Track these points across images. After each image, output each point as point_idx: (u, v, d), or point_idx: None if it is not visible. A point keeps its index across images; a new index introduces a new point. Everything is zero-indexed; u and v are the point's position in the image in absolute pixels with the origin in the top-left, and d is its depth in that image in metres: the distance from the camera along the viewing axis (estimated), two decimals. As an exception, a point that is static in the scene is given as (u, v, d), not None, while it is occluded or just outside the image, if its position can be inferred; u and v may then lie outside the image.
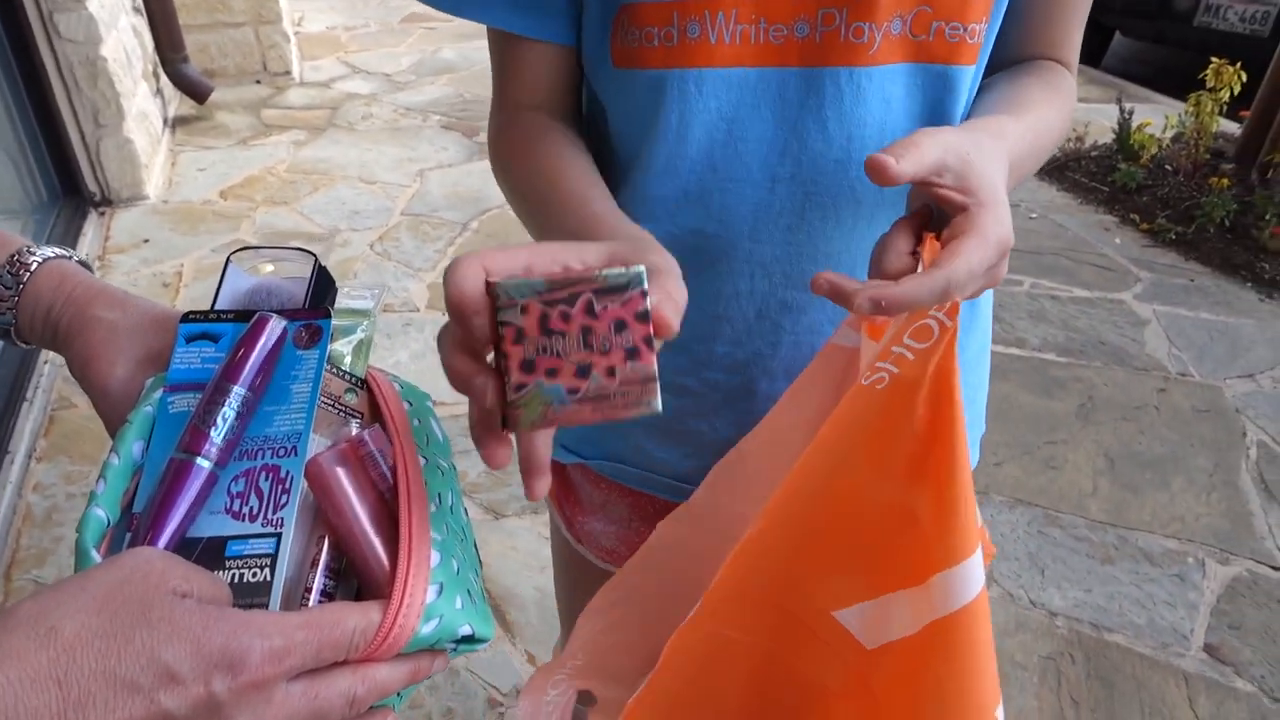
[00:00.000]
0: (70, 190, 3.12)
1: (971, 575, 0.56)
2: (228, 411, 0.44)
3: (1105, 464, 2.21)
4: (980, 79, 0.67)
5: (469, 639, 0.43)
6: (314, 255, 0.52)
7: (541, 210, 0.62)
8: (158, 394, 0.46)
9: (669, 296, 0.41)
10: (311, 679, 0.38)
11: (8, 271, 0.51)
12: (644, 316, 0.39)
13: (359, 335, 0.51)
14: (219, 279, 0.52)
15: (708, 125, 0.63)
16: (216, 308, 0.51)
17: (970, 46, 0.62)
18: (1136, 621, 1.80)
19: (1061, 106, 0.68)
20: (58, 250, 0.54)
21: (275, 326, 0.47)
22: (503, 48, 0.68)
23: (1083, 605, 1.84)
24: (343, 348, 0.50)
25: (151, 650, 0.33)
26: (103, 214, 3.15)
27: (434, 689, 1.63)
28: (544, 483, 0.42)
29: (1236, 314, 2.83)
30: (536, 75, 0.68)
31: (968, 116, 0.66)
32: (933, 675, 0.59)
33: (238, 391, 0.44)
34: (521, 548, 1.93)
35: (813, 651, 0.65)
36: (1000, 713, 0.59)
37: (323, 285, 0.52)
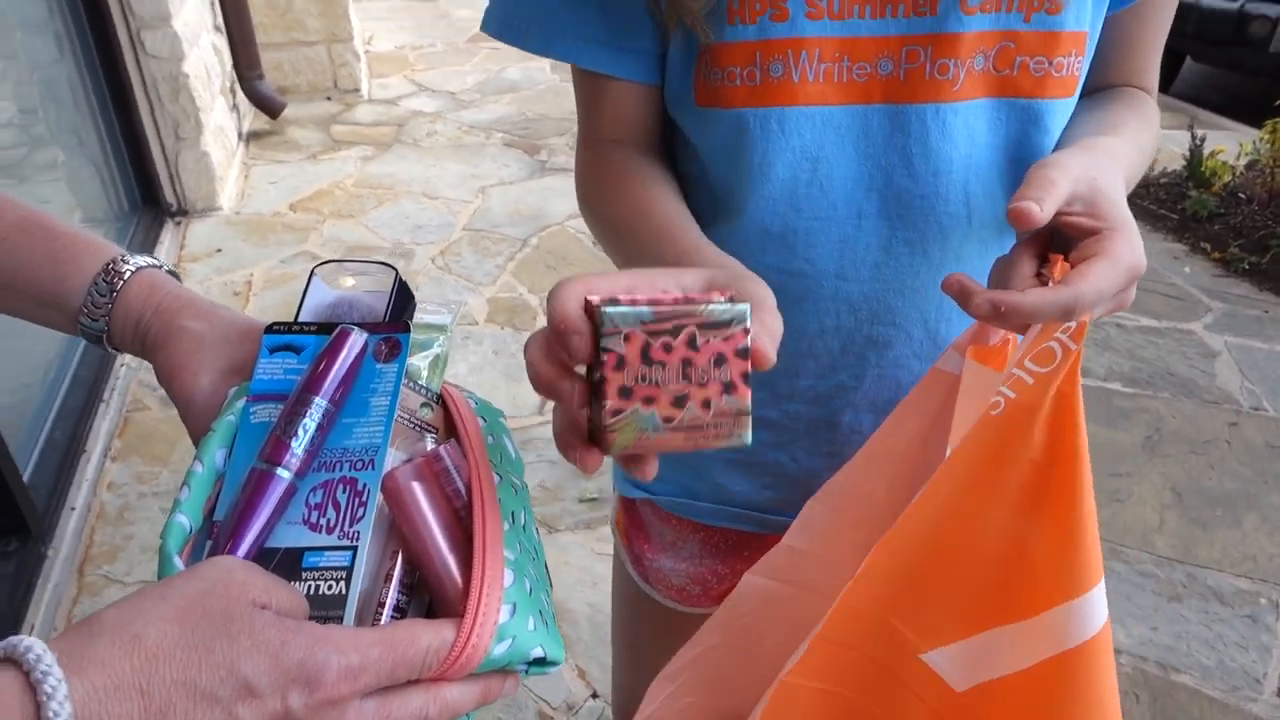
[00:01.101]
0: (150, 200, 3.24)
1: (1095, 607, 0.55)
2: (308, 423, 0.44)
3: (1173, 498, 2.15)
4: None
5: (540, 661, 0.43)
6: (395, 269, 0.53)
7: (633, 245, 0.62)
8: (240, 403, 0.47)
9: (766, 329, 0.42)
10: (385, 697, 0.38)
11: (103, 280, 0.53)
12: (744, 353, 0.40)
13: (435, 350, 0.52)
14: (303, 291, 0.53)
15: (792, 164, 0.63)
16: (300, 319, 0.51)
17: (1058, 80, 0.61)
18: (1205, 662, 1.74)
19: (1152, 132, 0.68)
20: (149, 260, 0.55)
21: (356, 340, 0.47)
22: (588, 86, 0.69)
23: (1149, 644, 1.78)
24: (419, 362, 0.51)
25: (231, 662, 0.34)
26: (179, 224, 3.26)
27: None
28: (651, 465, 0.43)
29: (1314, 348, 2.73)
30: (622, 112, 0.69)
31: (1060, 143, 0.66)
32: (1051, 713, 0.57)
33: (318, 403, 0.45)
34: (574, 562, 1.94)
35: (895, 700, 0.63)
36: None
37: (402, 299, 0.53)
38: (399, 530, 0.44)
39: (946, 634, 0.60)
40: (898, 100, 0.61)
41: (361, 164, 3.88)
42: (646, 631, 0.97)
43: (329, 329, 0.48)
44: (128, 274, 0.53)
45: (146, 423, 2.31)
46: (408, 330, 0.49)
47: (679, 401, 0.39)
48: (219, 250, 3.13)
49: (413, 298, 0.54)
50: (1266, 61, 4.43)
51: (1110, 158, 0.57)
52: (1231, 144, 3.62)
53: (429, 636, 0.39)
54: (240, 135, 3.91)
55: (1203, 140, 3.58)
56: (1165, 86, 5.02)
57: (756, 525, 0.80)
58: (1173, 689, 1.69)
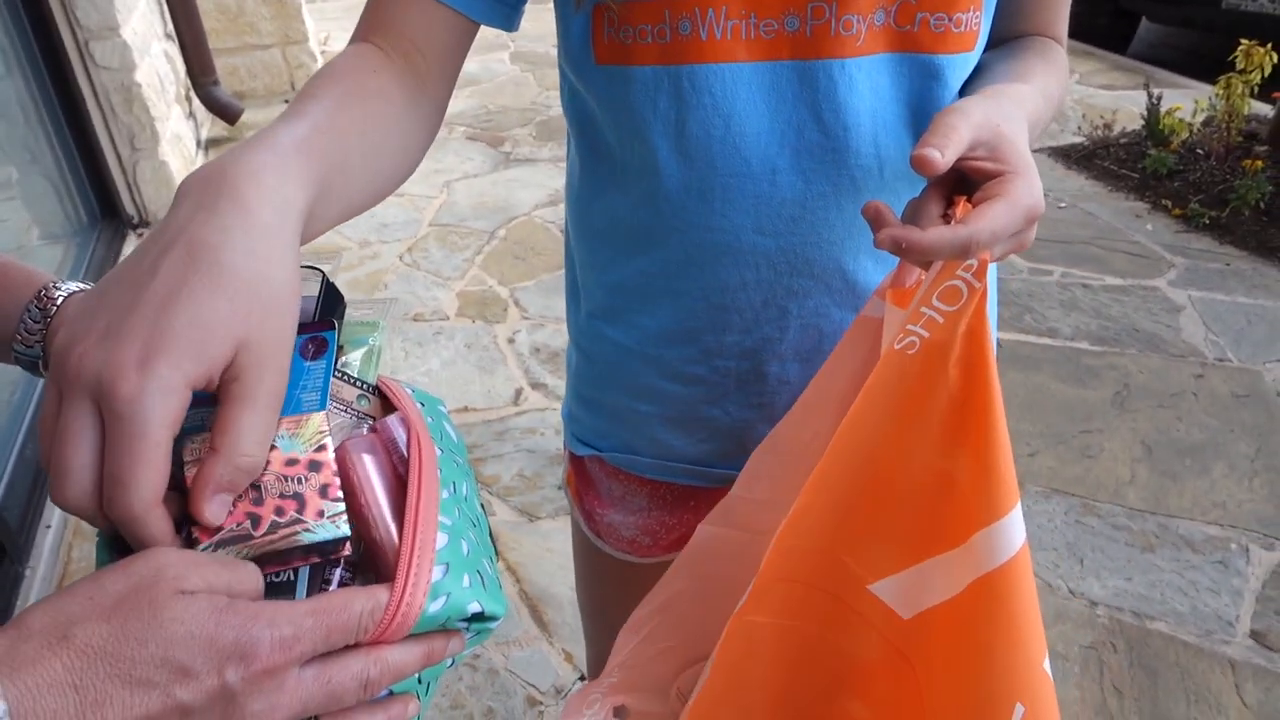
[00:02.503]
0: (109, 213, 3.20)
1: (1013, 530, 0.57)
2: None
3: (1143, 451, 2.18)
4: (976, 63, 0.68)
5: (480, 617, 0.44)
6: (321, 272, 0.53)
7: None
8: None
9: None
10: (324, 663, 0.39)
11: (35, 306, 0.53)
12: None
13: (369, 345, 0.52)
14: None
15: (704, 121, 0.63)
16: None
17: (958, 36, 0.62)
18: (1179, 609, 1.78)
19: (1060, 79, 0.70)
20: (82, 285, 0.55)
21: None
22: None
23: (1123, 594, 1.81)
24: (353, 358, 0.52)
25: (165, 652, 0.34)
26: (140, 235, 3.23)
27: (474, 690, 1.65)
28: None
29: (1274, 297, 2.77)
30: (413, 30, 0.62)
31: (970, 89, 0.67)
32: (977, 634, 0.59)
33: None
34: (556, 549, 1.95)
35: (850, 627, 0.66)
36: (1048, 665, 0.59)
37: (331, 300, 0.53)
38: (347, 502, 0.44)
39: (889, 565, 0.63)
40: (804, 56, 0.62)
41: (324, 165, 3.84)
42: (603, 585, 1.00)
43: None
44: (60, 299, 0.53)
45: (118, 436, 2.29)
46: (333, 327, 0.49)
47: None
48: (183, 260, 3.10)
49: (342, 298, 0.54)
50: (1219, 18, 4.47)
51: (1015, 104, 0.59)
52: (1188, 101, 3.66)
53: (362, 600, 0.39)
54: (199, 143, 3.87)
55: (1159, 99, 3.62)
56: (1122, 47, 5.07)
57: (699, 479, 0.82)
58: (1148, 637, 1.72)
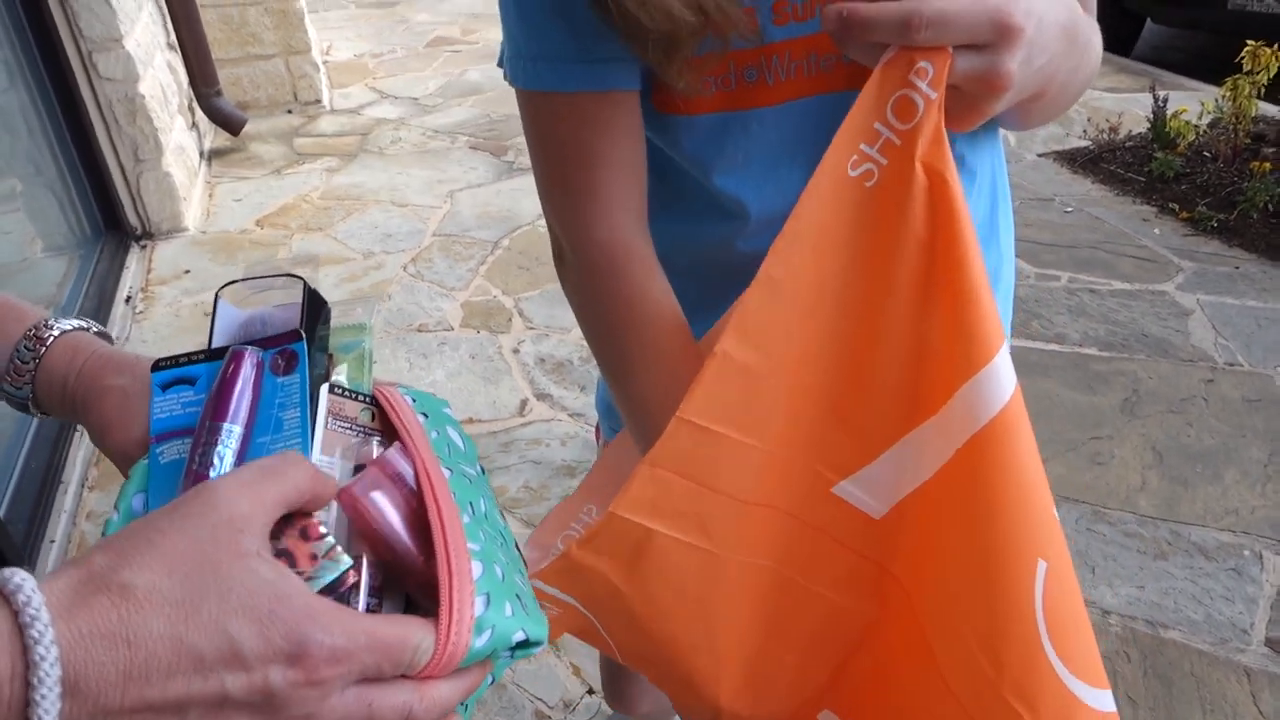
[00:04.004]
0: (112, 225, 3.20)
1: (1000, 376, 0.49)
2: (222, 450, 0.44)
3: (1154, 458, 2.16)
4: None
5: (524, 644, 0.43)
6: (302, 279, 0.52)
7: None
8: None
9: None
10: (367, 685, 0.38)
11: (25, 346, 0.52)
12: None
13: (361, 348, 0.51)
14: (211, 317, 0.51)
15: (770, 156, 0.66)
16: (213, 345, 0.51)
17: None
18: (1193, 617, 1.76)
19: (1096, 48, 0.66)
20: (76, 322, 0.55)
21: (250, 358, 0.46)
22: (575, 125, 0.65)
23: (1136, 602, 1.79)
24: (346, 365, 0.51)
25: (219, 620, 0.33)
26: (144, 247, 3.23)
27: (481, 704, 1.64)
28: None
29: (1285, 300, 2.75)
30: (619, 148, 0.65)
31: None
32: (977, 501, 0.51)
33: (228, 428, 0.44)
34: (562, 561, 1.93)
35: (822, 554, 0.57)
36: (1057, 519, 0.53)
37: (315, 307, 0.51)
38: (367, 542, 0.43)
39: (853, 459, 0.55)
40: (860, 85, 0.63)
41: (327, 175, 3.85)
42: None
43: (219, 354, 0.47)
44: (50, 339, 0.53)
45: (123, 449, 2.28)
46: (301, 339, 0.48)
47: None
48: (187, 271, 3.09)
49: (325, 304, 0.53)
50: (1225, 19, 4.44)
51: None
52: (1194, 104, 3.64)
53: (419, 634, 0.39)
54: (202, 154, 3.87)
55: (1165, 102, 3.60)
56: (1127, 50, 5.05)
57: None
58: (1162, 645, 1.70)
